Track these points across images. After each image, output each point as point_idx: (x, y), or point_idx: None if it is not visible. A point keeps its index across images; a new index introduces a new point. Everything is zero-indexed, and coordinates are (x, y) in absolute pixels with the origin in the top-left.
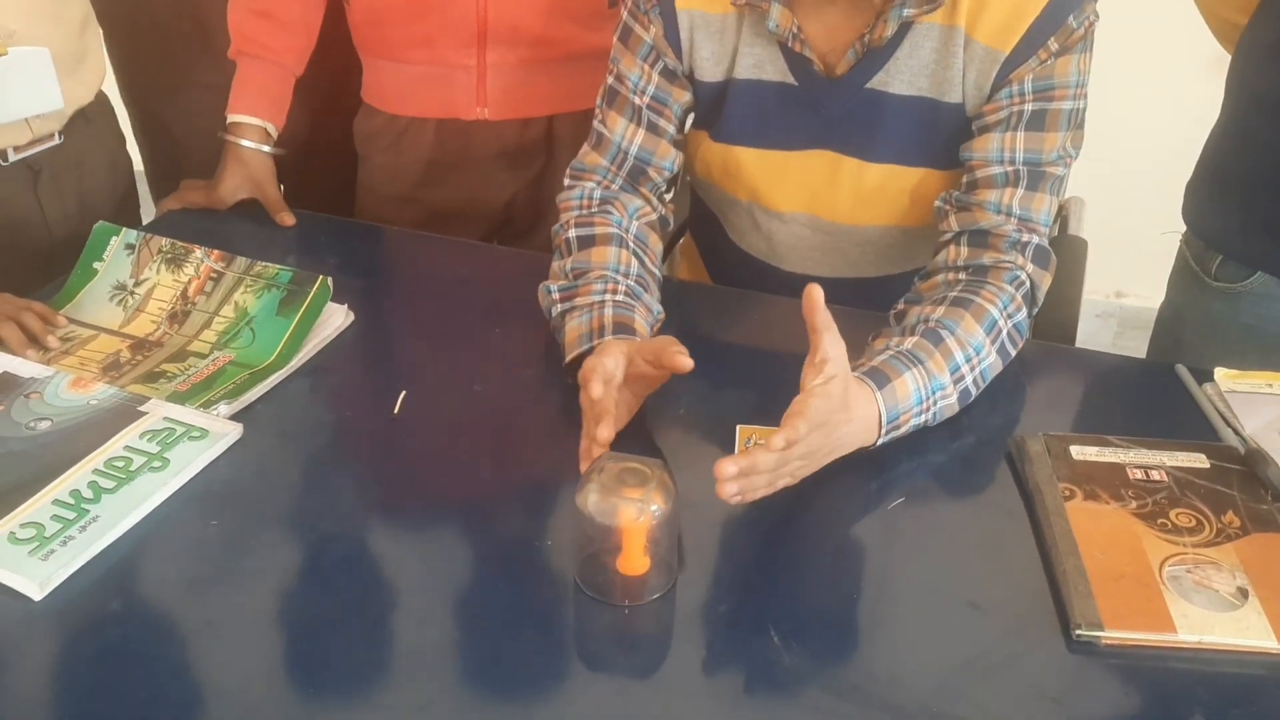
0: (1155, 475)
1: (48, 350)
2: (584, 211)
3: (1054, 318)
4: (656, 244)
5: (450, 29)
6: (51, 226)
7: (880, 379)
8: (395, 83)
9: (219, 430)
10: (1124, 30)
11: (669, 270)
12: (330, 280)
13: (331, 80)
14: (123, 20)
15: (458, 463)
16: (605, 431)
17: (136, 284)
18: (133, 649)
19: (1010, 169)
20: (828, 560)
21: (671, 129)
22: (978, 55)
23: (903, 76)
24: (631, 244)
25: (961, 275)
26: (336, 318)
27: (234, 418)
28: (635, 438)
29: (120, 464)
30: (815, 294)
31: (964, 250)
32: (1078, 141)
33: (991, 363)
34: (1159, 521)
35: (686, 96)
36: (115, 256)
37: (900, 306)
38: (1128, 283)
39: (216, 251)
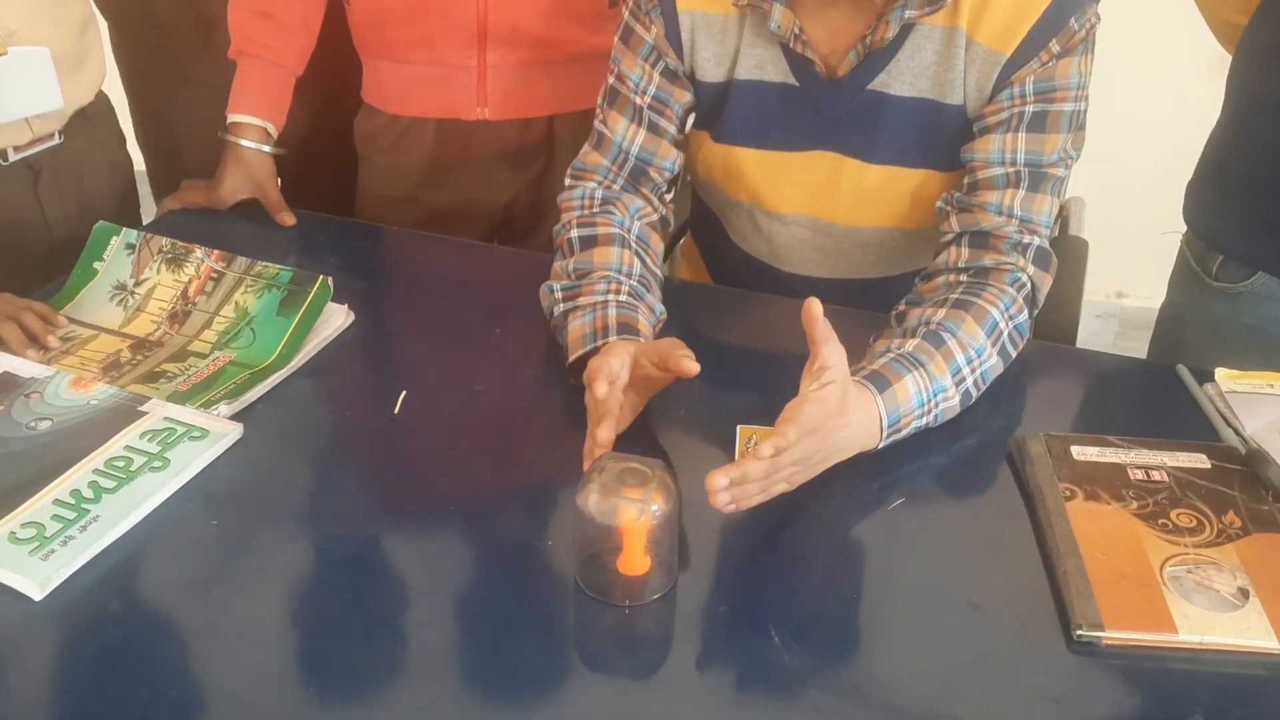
0: (1156, 476)
1: (48, 350)
2: (586, 212)
3: (1055, 318)
4: (658, 244)
5: (451, 30)
6: (52, 226)
7: (881, 382)
8: (396, 83)
9: (219, 430)
10: (1125, 31)
11: (669, 271)
12: (331, 280)
13: (331, 80)
14: (126, 15)
15: (458, 463)
16: (605, 433)
17: (137, 284)
18: (133, 649)
19: (1011, 170)
20: (828, 561)
21: (672, 129)
22: (979, 57)
23: (904, 78)
24: (634, 244)
25: (962, 277)
26: (337, 318)
27: (234, 418)
28: (636, 438)
29: (121, 464)
30: (814, 308)
31: (965, 252)
32: (1079, 143)
33: (993, 364)
34: (1160, 522)
35: (687, 97)
36: (115, 256)
37: (901, 308)
38: (1128, 283)
39: (217, 251)
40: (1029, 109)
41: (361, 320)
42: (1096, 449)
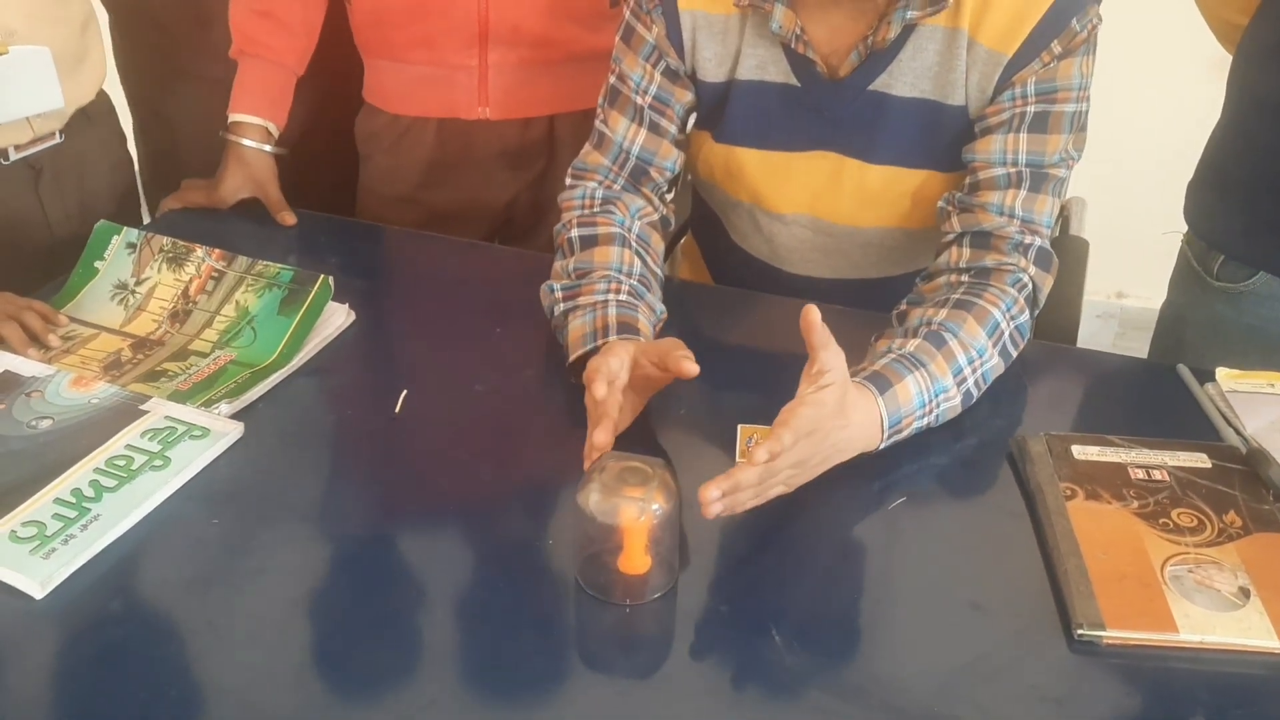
0: (1157, 475)
1: (49, 349)
2: (586, 211)
3: (1055, 318)
4: (658, 244)
5: (452, 30)
6: (53, 225)
7: (882, 383)
8: (396, 83)
9: (220, 429)
10: (1126, 32)
11: (670, 270)
12: (331, 280)
13: (332, 80)
14: (124, 11)
15: (459, 462)
16: (602, 436)
17: (138, 283)
18: (133, 648)
19: (1013, 171)
20: (829, 560)
21: (673, 129)
22: (981, 57)
23: (906, 79)
24: (634, 244)
25: (964, 277)
26: (338, 317)
27: (235, 417)
28: (637, 437)
29: (121, 463)
30: (811, 315)
31: (966, 252)
32: (1080, 143)
33: (994, 365)
34: (1161, 521)
35: (688, 97)
36: (116, 255)
37: (902, 308)
38: (1129, 283)
39: (218, 250)
40: (1030, 109)
41: (362, 320)
42: (1097, 448)
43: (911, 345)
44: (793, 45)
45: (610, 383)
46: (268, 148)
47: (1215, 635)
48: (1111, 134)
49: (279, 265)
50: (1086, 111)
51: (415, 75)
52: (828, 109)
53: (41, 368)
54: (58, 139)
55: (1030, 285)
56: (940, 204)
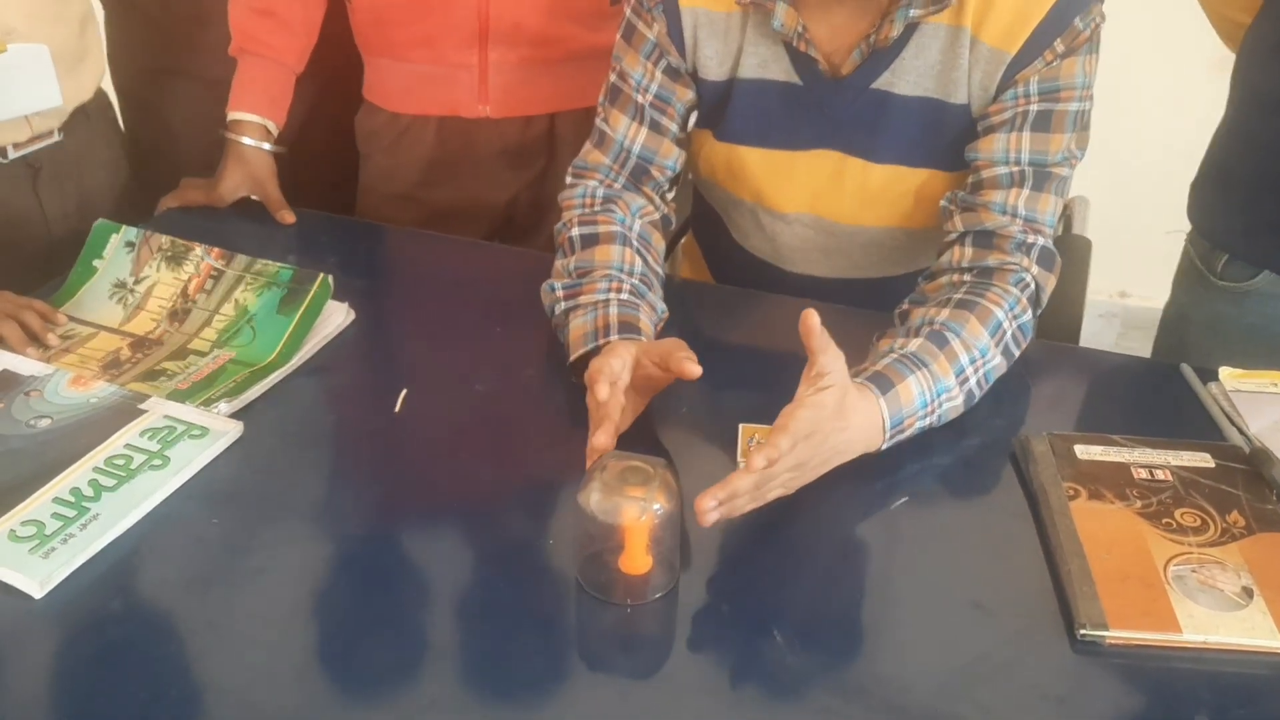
0: (1160, 475)
1: (48, 348)
2: (587, 210)
3: (1058, 318)
4: (659, 243)
5: (452, 28)
6: (51, 224)
7: (884, 384)
8: (397, 81)
9: (219, 428)
10: (1129, 30)
11: (670, 269)
12: (331, 278)
13: (332, 78)
14: (118, 6)
15: (459, 461)
16: (603, 439)
17: (136, 282)
18: (133, 648)
19: (1015, 170)
20: (831, 560)
21: (674, 128)
22: (983, 56)
23: (908, 77)
24: (635, 243)
25: (966, 276)
26: (337, 316)
27: (234, 416)
28: (638, 436)
29: (121, 462)
30: (811, 319)
31: (969, 251)
32: (1083, 142)
33: (996, 365)
34: (1164, 521)
35: (690, 95)
36: (115, 254)
37: (904, 307)
38: (1132, 283)
39: (217, 249)
40: (1033, 108)
41: (362, 319)
42: (1100, 448)
43: (913, 345)
44: (795, 43)
45: (612, 384)
46: (267, 146)
47: (1218, 635)
48: (1114, 133)
49: (278, 264)
50: (1089, 110)
51: (415, 74)
52: (830, 108)
53: (40, 367)
54: (56, 137)
55: (1033, 285)
56: (943, 203)
